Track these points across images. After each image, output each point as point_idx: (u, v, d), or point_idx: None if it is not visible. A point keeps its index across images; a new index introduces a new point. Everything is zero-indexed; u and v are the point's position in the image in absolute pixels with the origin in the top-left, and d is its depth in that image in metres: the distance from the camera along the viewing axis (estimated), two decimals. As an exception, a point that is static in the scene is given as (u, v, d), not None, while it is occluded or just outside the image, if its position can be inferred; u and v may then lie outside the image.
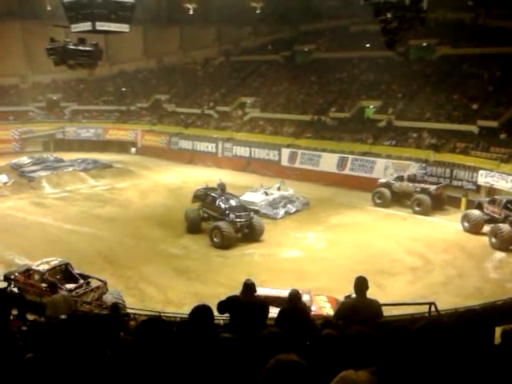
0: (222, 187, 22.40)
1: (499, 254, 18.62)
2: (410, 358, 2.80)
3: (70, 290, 13.47)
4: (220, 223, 19.85)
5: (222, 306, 6.01)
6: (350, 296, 6.63)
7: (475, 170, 24.56)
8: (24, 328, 5.80)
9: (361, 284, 5.81)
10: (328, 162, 30.51)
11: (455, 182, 25.42)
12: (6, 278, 14.12)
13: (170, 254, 19.17)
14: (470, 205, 23.15)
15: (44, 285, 13.29)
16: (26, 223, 22.43)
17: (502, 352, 2.94)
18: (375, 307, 5.83)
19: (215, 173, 30.55)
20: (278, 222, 22.97)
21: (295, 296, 6.08)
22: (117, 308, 8.90)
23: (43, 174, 30.16)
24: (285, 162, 32.62)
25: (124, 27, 17.05)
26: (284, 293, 9.46)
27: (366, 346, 3.06)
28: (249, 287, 6.15)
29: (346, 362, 3.09)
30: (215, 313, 4.34)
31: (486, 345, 2.84)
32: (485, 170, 24.05)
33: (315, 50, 40.61)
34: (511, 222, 19.07)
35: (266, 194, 24.83)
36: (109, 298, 13.42)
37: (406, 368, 2.79)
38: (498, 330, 3.20)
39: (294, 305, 6.01)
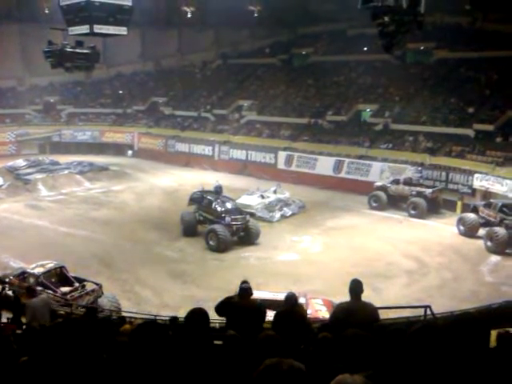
0: (218, 190, 22.38)
1: (494, 258, 18.66)
2: (406, 361, 2.80)
3: (65, 294, 13.45)
4: (216, 226, 19.84)
5: (221, 308, 6.00)
6: None
7: (471, 173, 24.62)
8: (19, 331, 5.78)
9: (356, 287, 5.78)
10: (324, 165, 30.54)
11: (451, 186, 25.45)
12: (1, 281, 14.06)
13: (166, 257, 19.13)
14: (466, 208, 23.21)
15: (39, 288, 13.21)
16: (21, 226, 22.32)
17: (498, 355, 2.94)
18: (370, 310, 5.81)
19: (212, 176, 30.53)
20: (273, 225, 22.98)
21: (292, 299, 6.06)
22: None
23: (39, 176, 30.03)
24: (281, 165, 32.63)
25: (122, 30, 16.97)
26: (280, 296, 9.44)
27: (362, 349, 3.05)
28: (245, 290, 6.13)
29: (341, 366, 3.09)
30: (212, 316, 4.33)
31: (482, 348, 2.84)
32: (480, 173, 24.13)
33: (312, 54, 40.67)
34: (506, 225, 19.13)
35: (262, 197, 24.82)
36: (104, 302, 13.38)
37: (402, 372, 2.78)
38: (494, 334, 3.20)
39: (290, 308, 5.98)
